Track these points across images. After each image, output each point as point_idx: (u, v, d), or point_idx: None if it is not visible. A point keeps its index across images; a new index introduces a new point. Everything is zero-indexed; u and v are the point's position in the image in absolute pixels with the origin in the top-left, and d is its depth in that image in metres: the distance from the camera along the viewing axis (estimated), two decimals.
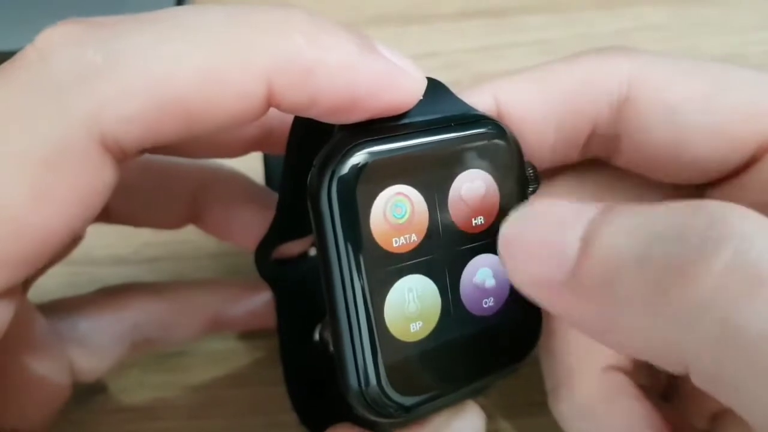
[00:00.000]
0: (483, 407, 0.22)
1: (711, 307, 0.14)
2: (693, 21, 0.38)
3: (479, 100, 0.22)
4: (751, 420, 0.15)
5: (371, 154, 0.18)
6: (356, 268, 0.18)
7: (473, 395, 0.22)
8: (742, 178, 0.22)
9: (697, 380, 0.16)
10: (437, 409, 0.21)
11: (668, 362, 0.16)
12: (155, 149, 0.20)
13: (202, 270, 0.32)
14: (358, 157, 0.18)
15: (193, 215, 0.27)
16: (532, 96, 0.23)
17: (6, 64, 0.18)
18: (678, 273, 0.15)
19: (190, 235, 0.29)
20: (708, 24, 0.38)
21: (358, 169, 0.18)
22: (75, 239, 0.23)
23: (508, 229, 0.18)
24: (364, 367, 0.19)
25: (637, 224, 0.16)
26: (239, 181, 0.28)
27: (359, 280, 0.18)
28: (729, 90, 0.22)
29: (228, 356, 0.31)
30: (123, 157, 0.18)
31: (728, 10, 0.38)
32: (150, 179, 0.26)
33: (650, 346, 0.16)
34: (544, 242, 0.17)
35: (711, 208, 0.15)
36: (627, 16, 0.38)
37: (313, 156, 0.19)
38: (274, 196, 0.26)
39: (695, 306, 0.15)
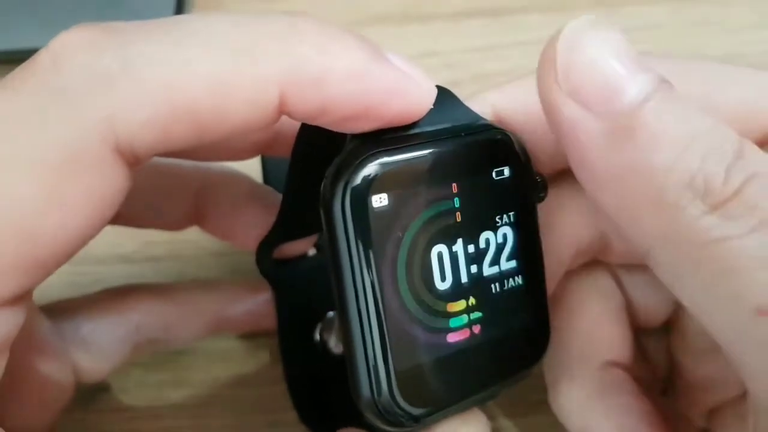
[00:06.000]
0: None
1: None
2: (693, 21, 0.38)
3: (477, 109, 0.22)
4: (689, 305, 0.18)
5: (383, 165, 0.18)
6: (369, 277, 0.18)
7: (482, 402, 0.22)
8: None
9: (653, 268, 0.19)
10: (445, 417, 0.21)
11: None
12: (167, 154, 0.20)
13: (204, 269, 0.32)
14: (371, 168, 0.18)
15: (196, 216, 0.27)
16: (530, 102, 0.23)
17: (19, 69, 0.17)
18: (699, 182, 0.17)
19: (192, 234, 0.29)
20: (708, 24, 0.38)
21: (370, 180, 0.18)
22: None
23: (564, 36, 0.18)
24: (376, 376, 0.19)
25: (690, 128, 0.17)
26: (242, 181, 0.28)
27: (372, 290, 0.18)
28: (725, 88, 0.22)
29: (229, 355, 0.31)
30: (136, 162, 0.18)
31: (727, 10, 0.38)
32: (153, 181, 0.26)
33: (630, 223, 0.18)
34: (604, 74, 0.18)
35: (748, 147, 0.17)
36: (627, 16, 0.38)
37: (320, 160, 0.19)
38: (277, 196, 0.25)
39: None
